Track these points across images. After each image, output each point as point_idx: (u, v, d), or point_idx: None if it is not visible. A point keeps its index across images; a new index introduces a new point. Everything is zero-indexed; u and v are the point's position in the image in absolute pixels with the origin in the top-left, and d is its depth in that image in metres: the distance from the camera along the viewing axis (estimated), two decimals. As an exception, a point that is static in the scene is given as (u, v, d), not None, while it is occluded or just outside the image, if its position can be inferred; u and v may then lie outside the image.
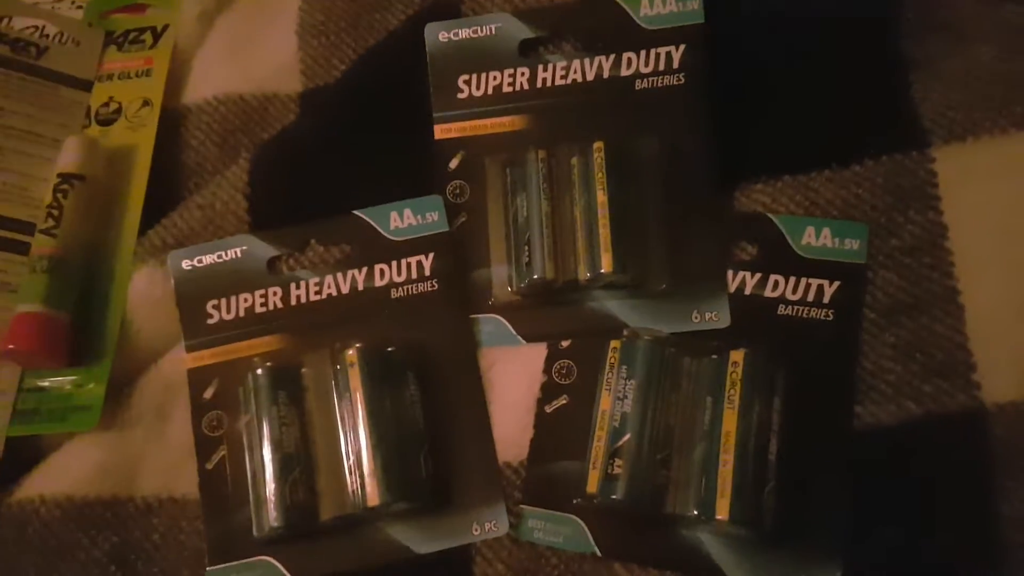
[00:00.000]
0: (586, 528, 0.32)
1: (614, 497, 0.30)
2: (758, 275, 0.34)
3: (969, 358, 0.32)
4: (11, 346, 0.34)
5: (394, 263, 0.36)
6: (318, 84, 0.41)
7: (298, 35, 0.42)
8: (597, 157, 0.34)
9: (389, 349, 0.34)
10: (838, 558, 0.30)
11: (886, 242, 0.34)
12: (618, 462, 0.30)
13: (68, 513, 0.33)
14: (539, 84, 0.37)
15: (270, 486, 0.31)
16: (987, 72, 0.35)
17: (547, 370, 0.34)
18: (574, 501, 0.32)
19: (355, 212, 0.36)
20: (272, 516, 0.31)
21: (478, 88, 0.37)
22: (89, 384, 0.35)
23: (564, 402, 0.34)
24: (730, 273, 0.34)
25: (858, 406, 0.32)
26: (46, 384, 0.35)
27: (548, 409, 0.34)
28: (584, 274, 0.34)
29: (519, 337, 0.35)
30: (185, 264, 0.36)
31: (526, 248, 0.34)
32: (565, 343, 0.35)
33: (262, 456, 0.32)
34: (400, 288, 0.36)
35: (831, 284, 0.33)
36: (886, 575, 0.31)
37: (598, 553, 0.32)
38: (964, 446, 0.31)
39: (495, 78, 0.37)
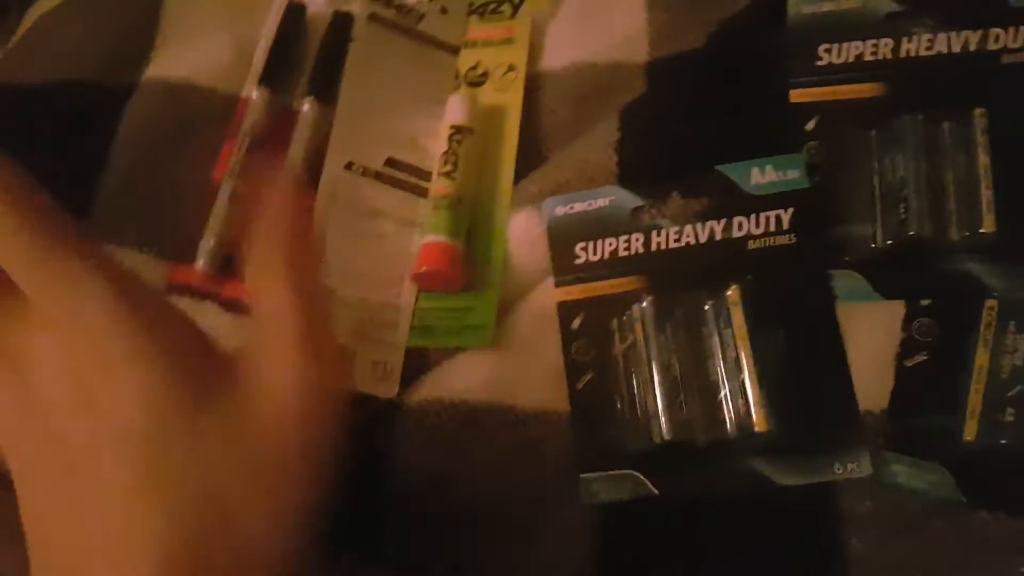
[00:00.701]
0: (951, 476, 0.33)
1: (1002, 442, 0.31)
2: None
3: None
4: (424, 268, 0.39)
5: (753, 216, 0.38)
6: (665, 54, 0.44)
7: (646, 8, 0.45)
8: (980, 122, 0.35)
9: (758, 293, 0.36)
10: None
11: None
12: (1009, 411, 0.32)
13: (462, 413, 0.38)
14: (902, 54, 0.39)
15: (660, 403, 0.35)
16: None
17: (905, 327, 0.36)
18: (939, 450, 0.34)
19: (717, 168, 0.39)
20: (663, 430, 0.34)
21: (838, 56, 0.39)
22: (479, 307, 0.40)
23: (924, 358, 0.35)
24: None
25: None
26: (441, 305, 0.40)
27: (908, 364, 0.36)
28: (958, 234, 0.35)
29: (877, 293, 0.37)
30: (559, 210, 0.40)
31: (902, 206, 0.36)
32: (924, 301, 0.36)
33: (651, 377, 0.35)
34: (757, 240, 0.38)
35: None
36: None
37: (964, 500, 0.33)
38: None
39: (857, 48, 0.39)
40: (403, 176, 0.42)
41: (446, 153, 0.41)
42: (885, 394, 0.35)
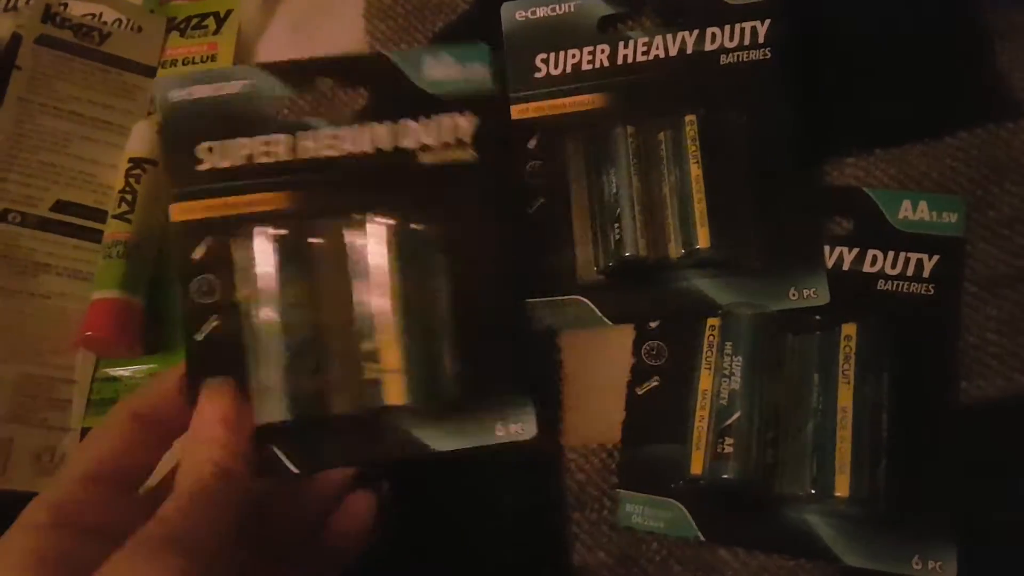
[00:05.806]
0: (687, 512, 0.31)
1: (725, 477, 0.29)
2: (855, 250, 0.33)
3: (1077, 329, 0.31)
4: (89, 333, 0.33)
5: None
6: (386, 67, 0.40)
7: (365, 18, 0.41)
8: (689, 131, 0.33)
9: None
10: (952, 537, 0.29)
11: (984, 214, 0.33)
12: (728, 441, 0.29)
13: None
14: (620, 61, 0.36)
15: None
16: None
17: (636, 352, 0.34)
18: (673, 484, 0.31)
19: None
20: None
21: (556, 67, 0.37)
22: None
23: (655, 384, 0.33)
24: (826, 249, 0.33)
25: (964, 380, 0.31)
26: (121, 373, 0.34)
27: (639, 391, 0.33)
28: (677, 251, 0.33)
29: (605, 319, 0.34)
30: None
31: (616, 226, 0.33)
32: (653, 324, 0.34)
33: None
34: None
35: (930, 258, 0.33)
36: (999, 554, 0.30)
37: (701, 537, 0.31)
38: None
39: (574, 56, 0.37)
40: (75, 220, 0.36)
41: (122, 191, 0.35)
42: (617, 427, 0.33)
